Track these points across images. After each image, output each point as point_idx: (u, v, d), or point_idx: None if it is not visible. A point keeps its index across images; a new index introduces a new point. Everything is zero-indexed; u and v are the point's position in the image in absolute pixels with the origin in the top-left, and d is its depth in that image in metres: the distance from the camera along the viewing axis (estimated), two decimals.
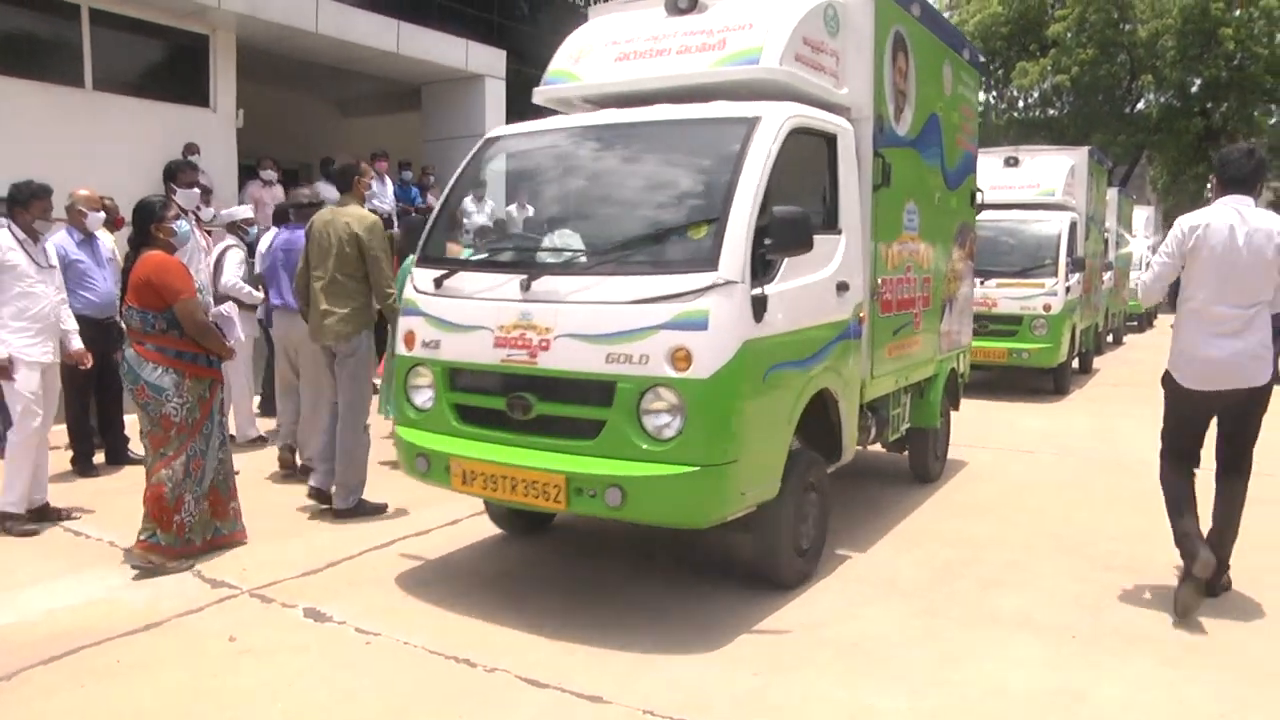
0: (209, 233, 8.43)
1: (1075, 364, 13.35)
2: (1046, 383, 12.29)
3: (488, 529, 5.65)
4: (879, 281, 5.59)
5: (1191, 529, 4.53)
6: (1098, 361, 15.61)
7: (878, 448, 6.54)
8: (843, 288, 5.01)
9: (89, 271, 6.79)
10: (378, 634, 4.17)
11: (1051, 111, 34.80)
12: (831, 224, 5.06)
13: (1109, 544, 5.59)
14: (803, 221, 4.18)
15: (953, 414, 7.63)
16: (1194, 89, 33.42)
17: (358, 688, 3.69)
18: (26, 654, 3.91)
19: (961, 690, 3.72)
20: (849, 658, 3.99)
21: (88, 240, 6.86)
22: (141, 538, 4.94)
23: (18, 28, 10.43)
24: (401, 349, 4.81)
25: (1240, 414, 4.56)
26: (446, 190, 5.26)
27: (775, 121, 4.51)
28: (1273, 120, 34.35)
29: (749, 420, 4.15)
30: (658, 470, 3.98)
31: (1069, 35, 32.80)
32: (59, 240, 6.60)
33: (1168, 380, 4.66)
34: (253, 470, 6.97)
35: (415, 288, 4.79)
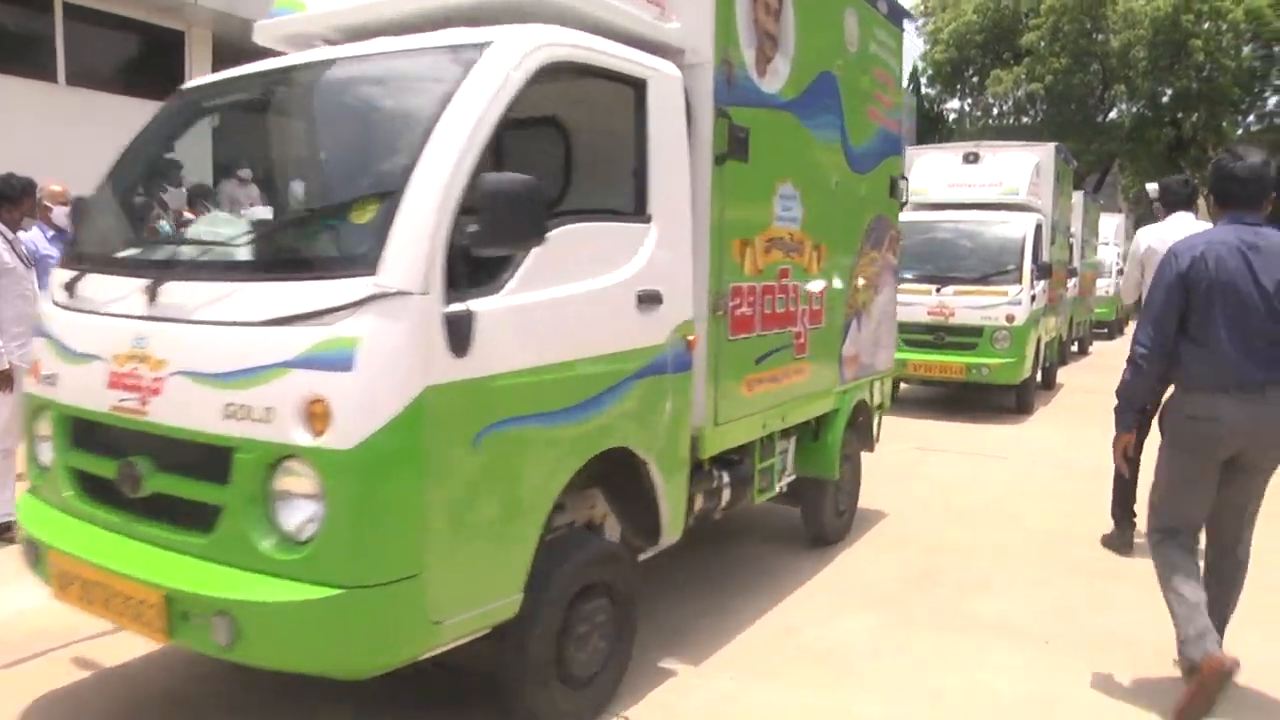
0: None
1: (1039, 378, 12.23)
2: (1008, 399, 11.16)
3: None
4: (727, 291, 4.11)
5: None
6: (1061, 374, 14.24)
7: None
8: (649, 300, 3.53)
9: None
10: None
11: (1025, 119, 35.09)
12: (635, 207, 3.60)
13: (1085, 550, 5.64)
14: (525, 196, 2.80)
15: (865, 456, 6.19)
16: (1165, 99, 33.89)
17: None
18: None
19: (938, 696, 3.75)
20: (825, 663, 4.01)
21: (58, 235, 6.78)
22: None
23: None
24: (28, 384, 3.56)
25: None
26: (112, 164, 3.93)
27: (512, 50, 3.06)
28: (1240, 131, 34.84)
29: (443, 510, 2.76)
30: (282, 593, 2.63)
31: (1042, 44, 33.17)
32: (32, 237, 6.52)
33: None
34: None
35: (52, 298, 3.48)
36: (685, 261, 3.80)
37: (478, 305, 2.83)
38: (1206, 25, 31.06)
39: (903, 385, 11.33)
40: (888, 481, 7.17)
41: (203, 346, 2.84)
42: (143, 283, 3.04)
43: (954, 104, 38.59)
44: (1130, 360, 3.73)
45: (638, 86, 3.61)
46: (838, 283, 5.34)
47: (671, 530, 3.87)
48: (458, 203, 2.77)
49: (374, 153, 3.27)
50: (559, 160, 4.22)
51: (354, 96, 3.55)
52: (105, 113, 10.78)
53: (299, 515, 2.67)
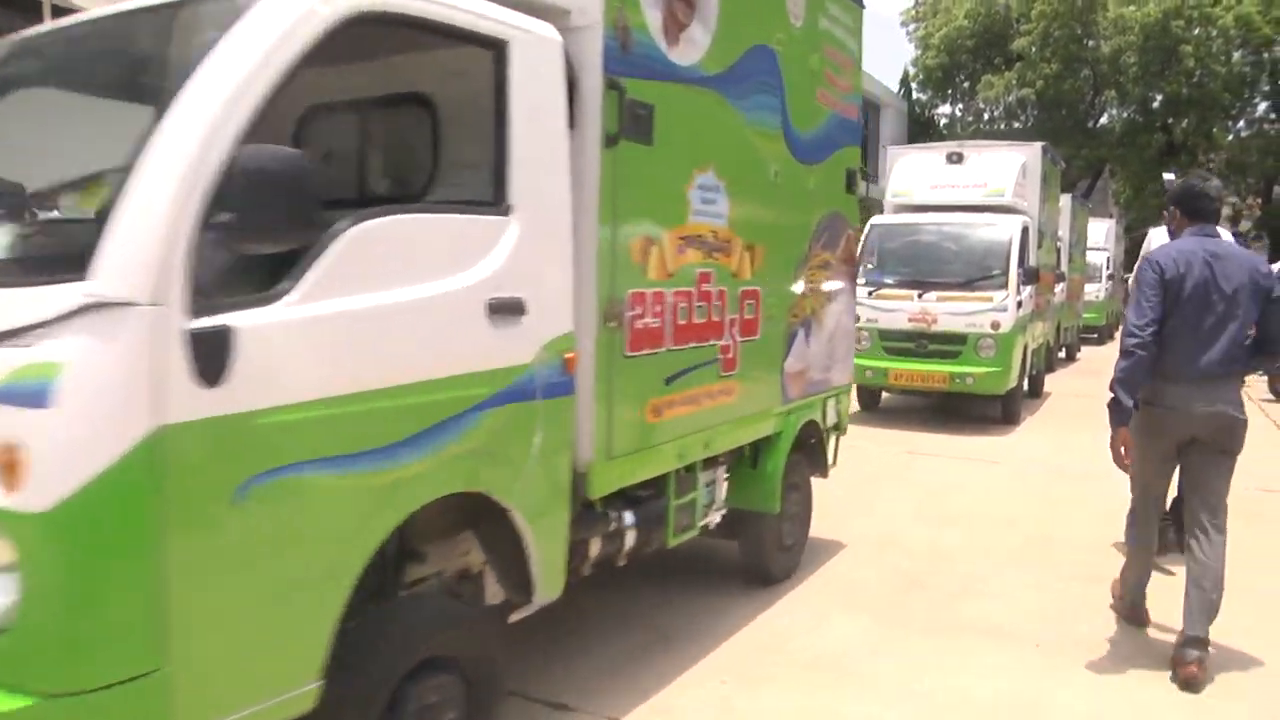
0: None
1: (1025, 386, 11.82)
2: (993, 409, 10.69)
3: None
4: (624, 298, 3.49)
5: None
6: (1050, 380, 13.94)
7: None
8: (507, 310, 2.91)
9: None
10: None
11: (1016, 124, 35.23)
12: (492, 197, 2.99)
13: (1074, 554, 5.65)
14: (289, 175, 2.18)
15: (817, 482, 5.58)
16: (1155, 104, 34.09)
17: None
18: None
19: (927, 699, 3.75)
20: (816, 667, 4.00)
21: None
22: None
23: None
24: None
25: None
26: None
27: None
28: (1230, 136, 35.04)
29: (192, 584, 2.12)
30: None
31: (1033, 49, 33.31)
32: None
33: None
34: None
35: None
36: (561, 263, 3.17)
37: (240, 319, 2.19)
38: (1197, 31, 31.26)
39: (884, 394, 11.31)
40: (877, 485, 7.18)
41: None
42: None
43: (945, 109, 38.75)
44: (1125, 351, 3.97)
45: (497, 49, 2.95)
46: (778, 288, 4.73)
47: (546, 587, 3.21)
48: (210, 185, 2.13)
49: (110, 123, 2.69)
50: (412, 143, 3.53)
51: (95, 56, 2.94)
52: (64, 110, 10.74)
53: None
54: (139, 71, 2.78)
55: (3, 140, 3.10)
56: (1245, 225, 35.59)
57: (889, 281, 10.33)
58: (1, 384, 2.01)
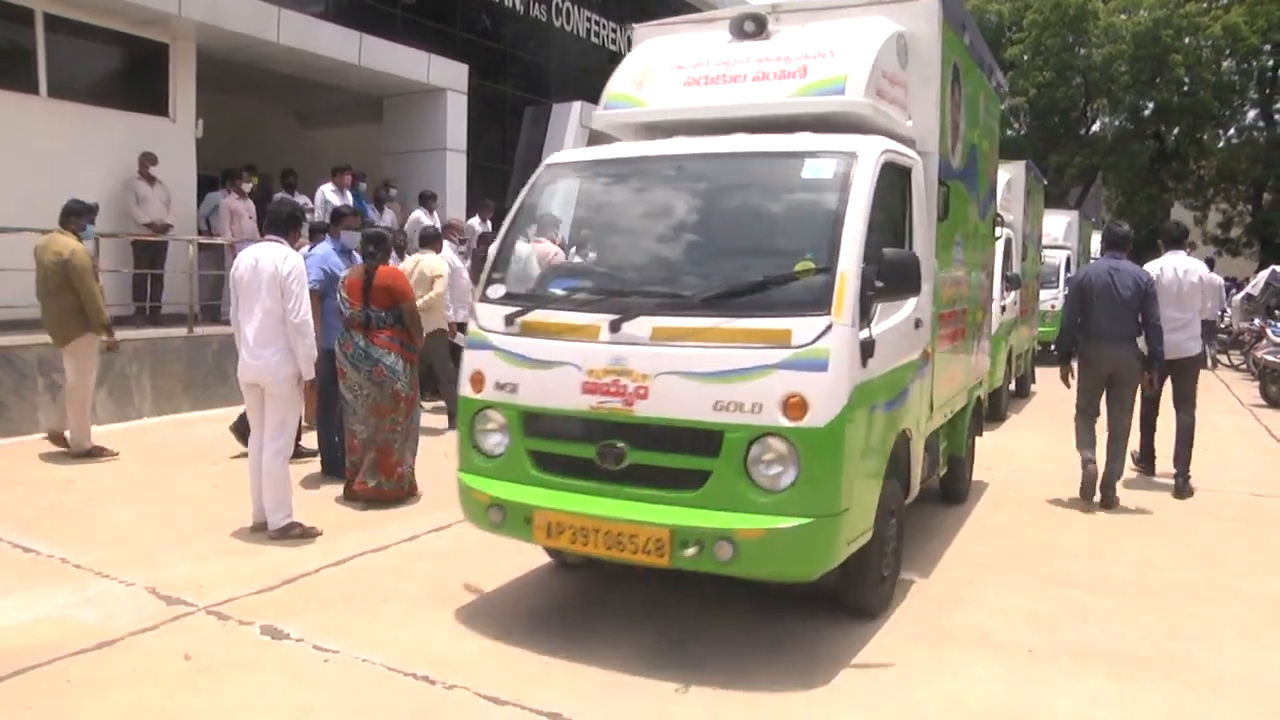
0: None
1: (1012, 387, 12.31)
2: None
3: (447, 544, 5.62)
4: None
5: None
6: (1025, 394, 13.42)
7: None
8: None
9: None
10: (335, 651, 4.13)
11: (1009, 132, 35.35)
12: None
13: (1066, 561, 5.66)
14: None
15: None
16: (1146, 113, 34.22)
17: (315, 705, 3.65)
18: None
19: (918, 708, 3.76)
20: (804, 675, 4.00)
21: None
22: (368, 484, 6.45)
23: None
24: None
25: (1181, 372, 7.57)
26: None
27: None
28: (1221, 144, 35.18)
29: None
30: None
31: (1026, 58, 33.43)
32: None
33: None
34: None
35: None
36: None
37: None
38: (1186, 40, 31.43)
39: None
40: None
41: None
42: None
43: None
44: (1061, 330, 7.50)
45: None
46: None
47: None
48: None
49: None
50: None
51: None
52: (88, 125, 10.75)
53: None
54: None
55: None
56: (1236, 232, 35.71)
57: (558, 297, 4.66)
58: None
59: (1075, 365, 7.32)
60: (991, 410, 10.52)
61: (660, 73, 5.11)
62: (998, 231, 10.51)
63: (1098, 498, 7.00)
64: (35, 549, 5.44)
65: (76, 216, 7.57)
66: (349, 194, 12.27)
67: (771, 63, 4.87)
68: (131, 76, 11.79)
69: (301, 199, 11.44)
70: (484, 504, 4.36)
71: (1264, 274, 16.91)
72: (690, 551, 3.84)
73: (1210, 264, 20.01)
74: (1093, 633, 4.55)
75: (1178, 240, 8.02)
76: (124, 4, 10.58)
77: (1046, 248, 16.35)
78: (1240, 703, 3.87)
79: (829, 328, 3.89)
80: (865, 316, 4.08)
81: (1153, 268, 7.47)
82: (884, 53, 4.85)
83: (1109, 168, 34.95)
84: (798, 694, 3.83)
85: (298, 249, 6.09)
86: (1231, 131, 35.59)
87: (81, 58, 11.17)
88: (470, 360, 4.54)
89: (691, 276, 4.42)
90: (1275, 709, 3.84)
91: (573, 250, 5.17)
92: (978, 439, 7.45)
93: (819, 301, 3.95)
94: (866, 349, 4.05)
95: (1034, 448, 9.39)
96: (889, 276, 4.10)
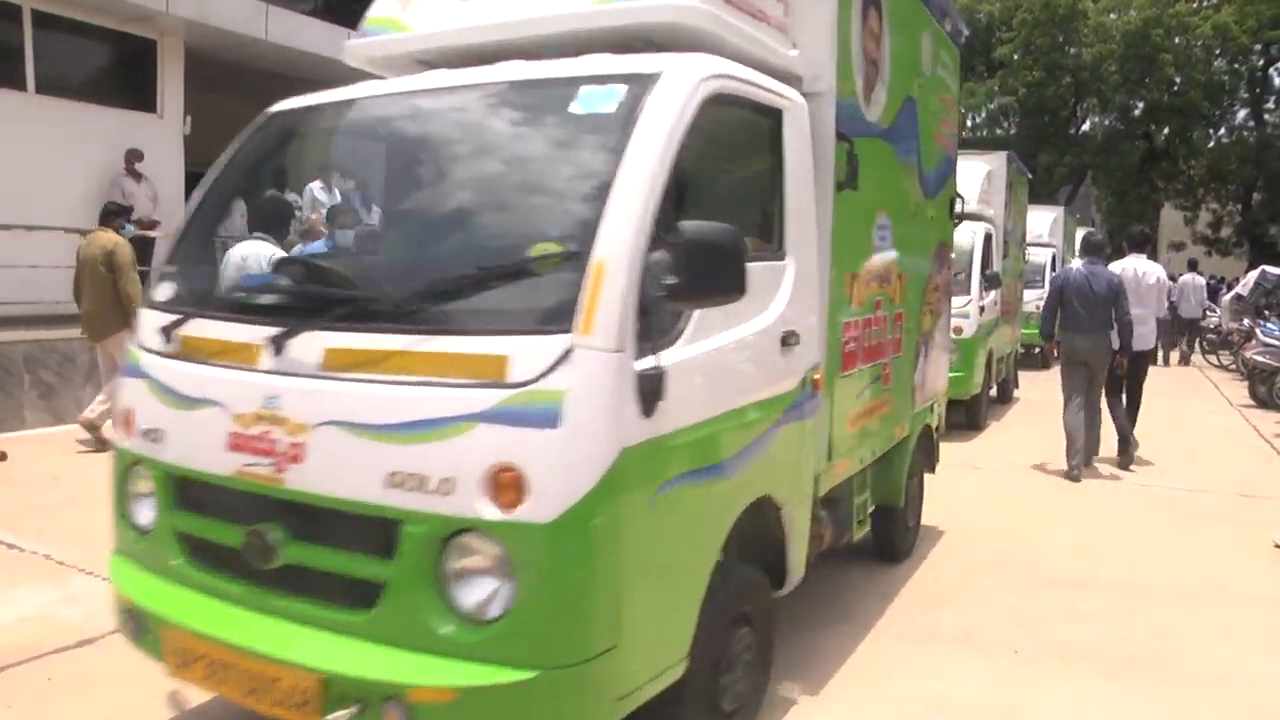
0: None
1: (994, 392, 11.70)
2: (956, 415, 9.91)
3: None
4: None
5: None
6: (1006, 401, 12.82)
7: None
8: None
9: None
10: None
11: (999, 131, 35.47)
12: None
13: (1052, 560, 5.67)
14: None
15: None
16: (1136, 112, 34.35)
17: None
18: None
19: (901, 706, 3.75)
20: (789, 674, 3.99)
21: None
22: None
23: None
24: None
25: (1135, 362, 8.29)
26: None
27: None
28: (1211, 144, 35.34)
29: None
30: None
31: (1015, 57, 33.52)
32: None
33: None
34: None
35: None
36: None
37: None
38: (1177, 40, 31.56)
39: None
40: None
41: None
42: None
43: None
44: (1043, 316, 8.53)
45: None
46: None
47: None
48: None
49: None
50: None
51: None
52: (75, 121, 10.71)
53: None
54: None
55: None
56: (1226, 232, 35.86)
57: (228, 299, 3.55)
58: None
59: (1057, 348, 8.74)
60: (970, 418, 10.35)
61: None
62: (974, 226, 10.26)
63: (1076, 468, 7.91)
64: (19, 545, 5.41)
65: (115, 216, 8.15)
66: (337, 192, 12.21)
67: None
68: (119, 73, 11.76)
69: (290, 196, 11.39)
70: (119, 606, 3.03)
71: (1253, 274, 16.96)
72: (342, 715, 2.41)
73: (1193, 265, 20.30)
74: (1079, 632, 4.55)
75: (1139, 244, 9.07)
76: (112, 1, 10.54)
77: (1030, 245, 15.55)
78: (1225, 703, 3.87)
79: (567, 353, 2.39)
80: (650, 333, 2.58)
81: (1115, 267, 8.31)
82: None
83: (1099, 167, 35.09)
84: (781, 693, 3.82)
85: (289, 247, 6.06)
86: (1221, 131, 35.77)
87: (69, 54, 11.12)
88: (122, 391, 3.19)
89: (395, 269, 3.27)
90: (1260, 710, 3.85)
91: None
92: (930, 474, 6.14)
93: (556, 311, 2.45)
94: (649, 387, 2.55)
95: (1014, 455, 9.38)
96: (691, 268, 2.56)
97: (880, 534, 5.34)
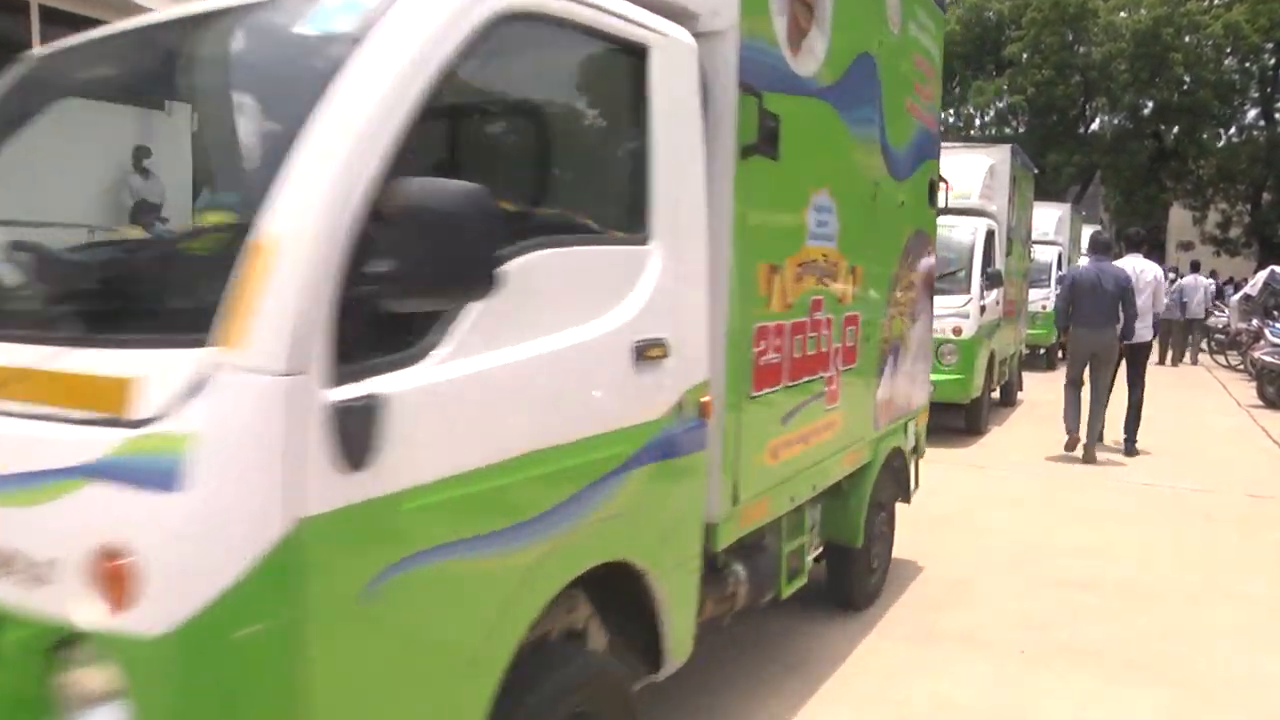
0: None
1: (996, 394, 11.33)
2: (955, 419, 9.83)
3: None
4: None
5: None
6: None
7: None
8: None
9: None
10: None
11: (1008, 130, 35.35)
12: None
13: (1059, 560, 5.64)
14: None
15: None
16: (1146, 111, 34.23)
17: None
18: None
19: (906, 707, 3.73)
20: (795, 674, 3.98)
21: None
22: None
23: None
24: None
25: (1134, 354, 8.95)
26: None
27: None
28: (1221, 143, 35.19)
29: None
30: None
31: (1025, 56, 33.42)
32: None
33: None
34: None
35: None
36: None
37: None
38: (1187, 39, 31.43)
39: None
40: None
41: None
42: None
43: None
44: (1057, 311, 9.29)
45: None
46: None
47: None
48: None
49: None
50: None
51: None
52: (81, 117, 10.70)
53: None
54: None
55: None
56: (1235, 232, 35.71)
57: None
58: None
59: (1067, 341, 9.28)
60: (970, 423, 10.03)
61: None
62: (976, 223, 9.85)
63: (1080, 454, 8.66)
64: None
65: (146, 214, 8.18)
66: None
67: None
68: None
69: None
70: None
71: (1263, 274, 16.88)
72: None
73: (1195, 267, 20.35)
74: (1085, 633, 4.52)
75: (1137, 245, 9.80)
76: None
77: (1036, 243, 14.86)
78: (1233, 705, 3.84)
79: (203, 377, 1.64)
80: (363, 347, 1.80)
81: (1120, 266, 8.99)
82: None
83: (1108, 167, 34.96)
84: (786, 691, 3.80)
85: None
86: (1231, 131, 35.60)
87: None
88: None
89: (51, 252, 2.46)
90: (1268, 712, 3.82)
91: None
92: (904, 504, 5.30)
93: (194, 313, 1.72)
94: (354, 427, 1.74)
95: (1017, 454, 9.35)
96: (408, 246, 1.75)
97: (834, 578, 4.64)
